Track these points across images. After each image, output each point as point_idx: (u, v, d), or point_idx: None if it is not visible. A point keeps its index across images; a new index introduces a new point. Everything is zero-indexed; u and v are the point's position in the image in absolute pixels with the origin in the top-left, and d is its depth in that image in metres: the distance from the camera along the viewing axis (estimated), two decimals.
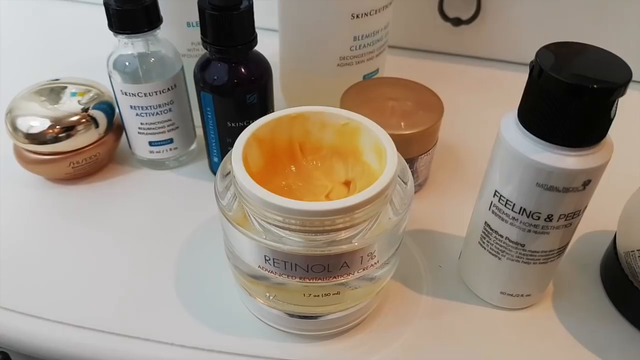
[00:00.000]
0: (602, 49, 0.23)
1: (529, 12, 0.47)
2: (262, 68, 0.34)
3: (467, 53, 0.53)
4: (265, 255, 0.24)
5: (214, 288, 0.31)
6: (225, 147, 0.36)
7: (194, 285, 0.31)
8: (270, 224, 0.24)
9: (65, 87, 0.37)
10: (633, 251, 0.28)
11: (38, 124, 0.35)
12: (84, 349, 0.29)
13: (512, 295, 0.30)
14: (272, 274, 0.25)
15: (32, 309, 0.30)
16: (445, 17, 0.51)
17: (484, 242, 0.29)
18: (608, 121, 0.23)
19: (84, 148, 0.36)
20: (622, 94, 0.22)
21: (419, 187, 0.38)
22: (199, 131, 0.39)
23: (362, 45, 0.39)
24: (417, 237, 0.35)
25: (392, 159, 0.25)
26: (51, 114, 0.35)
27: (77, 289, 0.31)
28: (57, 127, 0.35)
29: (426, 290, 0.31)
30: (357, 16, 0.37)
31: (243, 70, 0.33)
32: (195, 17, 0.36)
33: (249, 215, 0.25)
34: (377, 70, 0.42)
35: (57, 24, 0.59)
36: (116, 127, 0.39)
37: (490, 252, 0.28)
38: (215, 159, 0.37)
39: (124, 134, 0.39)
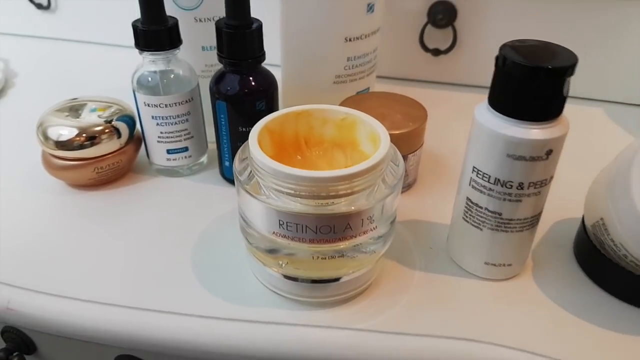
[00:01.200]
0: (553, 43, 0.29)
1: (500, 42, 0.53)
2: (269, 80, 0.39)
3: (446, 80, 0.59)
4: (279, 220, 0.28)
5: (227, 267, 0.35)
6: (236, 151, 0.40)
7: (209, 267, 0.35)
8: (282, 192, 0.28)
9: (85, 104, 0.42)
10: (597, 221, 0.33)
11: (67, 133, 0.39)
12: (114, 324, 0.32)
13: (495, 265, 0.33)
14: (285, 239, 0.29)
15: (66, 292, 0.33)
16: (425, 48, 0.57)
17: (467, 216, 0.33)
18: (562, 98, 0.28)
19: (106, 155, 0.41)
20: (571, 74, 0.27)
21: (408, 186, 0.43)
22: (210, 146, 0.44)
23: (354, 65, 0.44)
24: (409, 226, 0.39)
25: (386, 141, 0.30)
26: (78, 124, 0.40)
27: (105, 272, 0.35)
28: (84, 135, 0.40)
29: (419, 267, 0.35)
30: (350, 39, 0.43)
31: (253, 81, 0.38)
32: (209, 42, 0.42)
33: (263, 188, 0.29)
34: (368, 89, 0.47)
35: (72, 61, 0.64)
36: (136, 139, 0.43)
37: (472, 225, 0.33)
38: (227, 163, 0.41)
39: (142, 146, 0.43)
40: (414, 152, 0.40)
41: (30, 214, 0.40)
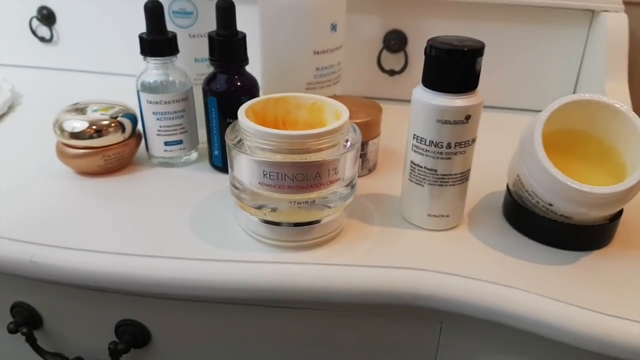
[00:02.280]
0: (467, 37, 0.38)
1: None
2: (252, 81, 0.48)
3: (400, 97, 0.68)
4: (263, 171, 0.36)
5: (219, 225, 0.42)
6: (224, 140, 0.48)
7: (203, 226, 0.42)
8: (265, 149, 0.36)
9: (87, 106, 0.49)
10: (515, 178, 0.42)
11: (79, 125, 0.47)
12: (121, 269, 0.38)
13: (435, 216, 0.42)
14: (268, 188, 0.37)
15: (80, 246, 0.40)
16: (382, 69, 0.68)
17: (411, 177, 0.41)
18: (475, 74, 0.37)
19: (112, 145, 0.48)
20: (480, 55, 0.37)
21: (369, 171, 0.51)
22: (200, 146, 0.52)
23: (322, 74, 0.54)
24: (369, 197, 0.47)
25: (345, 114, 0.39)
26: (88, 119, 0.47)
27: (113, 232, 0.41)
28: (93, 127, 0.47)
29: (377, 223, 0.43)
30: (318, 52, 0.52)
31: (238, 81, 0.47)
32: (201, 54, 0.51)
33: (250, 149, 0.37)
34: (335, 95, 0.56)
35: (72, 86, 0.72)
36: (137, 136, 0.51)
37: (416, 183, 0.41)
38: (216, 152, 0.49)
39: (142, 144, 0.51)
40: (373, 139, 0.49)
41: (46, 192, 0.47)
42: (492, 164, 0.47)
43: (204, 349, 0.45)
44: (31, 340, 0.46)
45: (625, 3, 0.59)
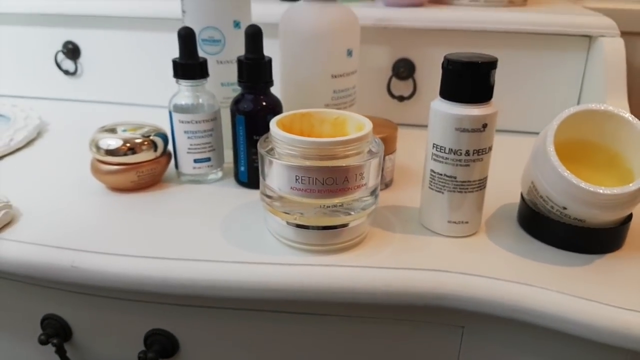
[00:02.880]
0: (480, 53, 0.42)
1: None
2: (276, 101, 0.51)
3: (409, 122, 0.71)
4: (295, 176, 0.39)
5: (249, 233, 0.44)
6: (250, 157, 0.51)
7: (234, 234, 0.44)
8: (296, 156, 0.39)
9: (115, 127, 0.52)
10: (530, 186, 0.44)
11: (114, 143, 0.50)
12: (160, 272, 0.40)
13: (455, 222, 0.44)
14: (300, 193, 0.39)
15: (118, 252, 0.42)
16: (392, 95, 0.71)
17: (431, 185, 0.44)
18: (490, 86, 0.40)
19: (145, 162, 0.51)
20: (494, 68, 0.40)
21: (386, 186, 0.54)
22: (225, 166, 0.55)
23: (339, 96, 0.57)
24: (389, 209, 0.49)
25: (369, 125, 0.42)
26: (122, 137, 0.50)
27: (149, 240, 0.43)
28: (127, 144, 0.50)
29: (398, 230, 0.46)
30: (335, 76, 0.56)
31: (264, 100, 0.50)
32: (227, 79, 0.55)
33: (281, 156, 0.40)
34: None
35: (95, 116, 0.76)
36: (167, 154, 0.53)
37: (436, 191, 0.44)
38: (242, 168, 0.52)
39: (172, 161, 0.54)
40: (389, 154, 0.52)
41: (82, 206, 0.49)
42: (504, 180, 0.50)
43: (232, 358, 0.47)
44: (61, 352, 0.48)
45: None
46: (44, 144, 0.65)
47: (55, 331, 0.48)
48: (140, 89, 0.78)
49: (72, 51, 0.79)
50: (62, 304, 0.47)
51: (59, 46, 0.79)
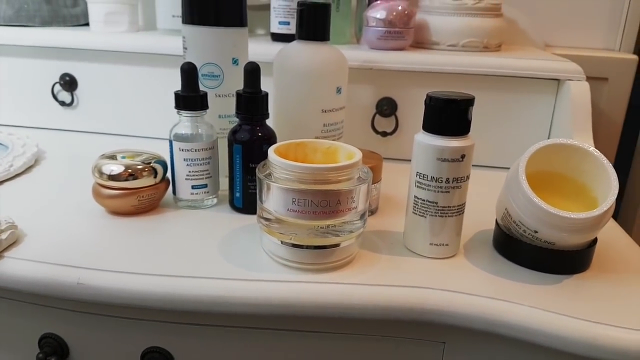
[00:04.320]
0: (458, 91, 0.46)
1: None
2: (271, 132, 0.55)
3: (392, 156, 0.76)
4: (292, 198, 0.42)
5: (245, 253, 0.47)
6: (246, 183, 0.54)
7: (232, 253, 0.47)
8: (293, 180, 0.42)
9: (115, 155, 0.55)
10: (504, 212, 0.48)
11: (116, 169, 0.53)
12: (160, 289, 0.43)
13: (436, 245, 0.48)
14: (296, 214, 0.43)
15: (122, 269, 0.44)
16: (376, 131, 0.76)
17: (415, 209, 0.48)
18: (468, 121, 0.45)
19: (145, 187, 0.54)
20: (472, 105, 0.44)
21: (371, 212, 0.57)
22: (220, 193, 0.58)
23: (329, 130, 0.61)
24: (375, 233, 0.53)
25: (359, 154, 0.46)
26: (124, 163, 0.53)
27: (149, 260, 0.46)
28: (129, 170, 0.53)
29: (384, 252, 0.49)
30: (326, 111, 0.60)
31: (260, 131, 0.54)
32: (225, 111, 0.58)
33: (278, 181, 0.43)
34: None
35: (91, 147, 0.78)
36: (166, 181, 0.56)
37: (419, 215, 0.47)
38: (237, 194, 0.55)
39: (170, 187, 0.57)
40: (375, 183, 0.56)
41: (85, 228, 0.51)
42: (479, 209, 0.54)
43: None
44: None
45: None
46: (42, 170, 0.67)
47: (53, 350, 0.49)
48: (134, 121, 0.81)
49: (68, 83, 0.82)
50: (61, 323, 0.49)
51: (56, 78, 0.82)
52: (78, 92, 0.82)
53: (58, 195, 0.59)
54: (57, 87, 0.82)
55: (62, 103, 0.83)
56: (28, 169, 0.67)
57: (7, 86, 0.84)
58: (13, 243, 0.48)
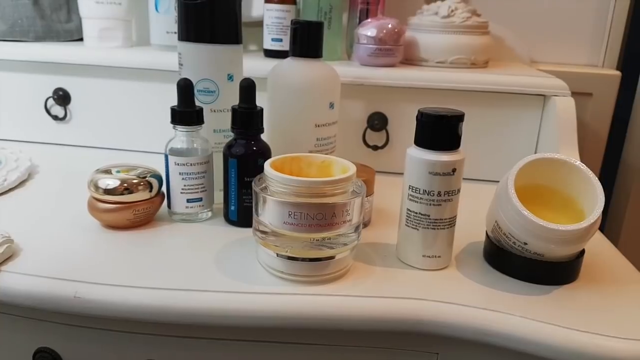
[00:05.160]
0: (448, 107, 0.48)
1: None
2: (266, 146, 0.56)
3: (383, 169, 0.77)
4: (288, 211, 0.43)
5: (241, 266, 0.48)
6: (241, 197, 0.55)
7: (227, 266, 0.48)
8: (289, 194, 0.43)
9: (110, 169, 0.55)
10: (494, 225, 0.50)
11: (112, 183, 0.53)
12: (156, 301, 0.43)
13: (429, 256, 0.49)
14: (292, 227, 0.44)
15: (118, 282, 0.45)
16: (367, 145, 0.77)
17: (408, 222, 0.49)
18: (458, 136, 0.46)
19: (140, 201, 0.54)
20: (462, 120, 0.46)
21: (364, 225, 0.58)
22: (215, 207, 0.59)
23: (322, 144, 0.62)
24: (369, 245, 0.54)
25: (353, 168, 0.47)
26: (120, 177, 0.54)
27: (146, 272, 0.46)
28: (124, 184, 0.53)
29: (378, 264, 0.50)
30: (319, 125, 0.61)
31: (255, 146, 0.55)
32: (220, 126, 0.59)
33: (274, 194, 0.44)
34: None
35: (83, 161, 0.79)
36: (161, 194, 0.57)
37: (412, 227, 0.48)
38: (232, 208, 0.56)
39: (164, 201, 0.57)
40: (368, 196, 0.57)
41: (80, 243, 0.52)
42: (469, 222, 0.55)
43: None
44: None
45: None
46: (36, 185, 0.67)
47: None
48: (127, 136, 0.82)
49: (62, 97, 0.82)
50: (56, 337, 0.49)
51: (49, 92, 0.82)
52: (71, 106, 0.83)
53: (53, 209, 0.59)
54: (51, 102, 0.83)
55: (56, 117, 0.83)
56: (22, 183, 0.67)
57: (1, 101, 0.84)
58: (9, 257, 0.48)
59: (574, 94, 0.72)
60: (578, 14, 0.94)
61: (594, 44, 0.96)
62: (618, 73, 0.92)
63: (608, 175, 0.98)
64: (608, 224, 1.00)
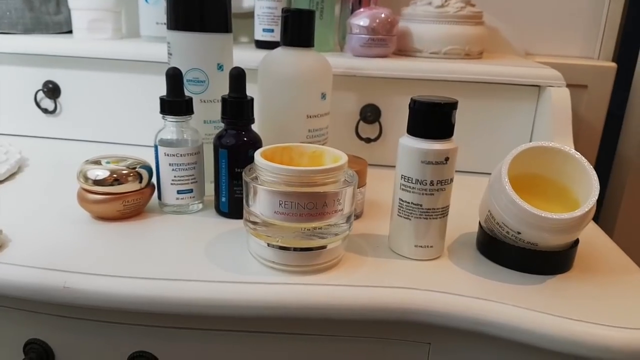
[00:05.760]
0: (441, 96, 0.47)
1: None
2: (257, 137, 0.55)
3: (376, 162, 0.76)
4: (279, 201, 0.43)
5: (232, 256, 0.47)
6: (232, 188, 0.54)
7: (218, 256, 0.47)
8: (279, 183, 0.43)
9: (99, 160, 0.55)
10: (487, 214, 0.49)
11: (101, 174, 0.52)
12: (147, 291, 0.43)
13: (421, 246, 0.48)
14: (283, 216, 0.43)
15: (108, 272, 0.44)
16: (360, 137, 0.77)
17: (400, 212, 0.48)
18: (452, 124, 0.46)
19: (130, 192, 0.53)
20: (455, 108, 0.45)
21: (356, 217, 0.58)
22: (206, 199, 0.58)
23: (314, 135, 0.61)
24: (361, 237, 0.53)
25: (344, 157, 0.46)
26: (109, 168, 0.53)
27: (136, 263, 0.46)
28: (114, 175, 0.53)
29: (369, 255, 0.49)
30: (311, 117, 0.60)
31: (245, 136, 0.54)
32: (210, 117, 0.59)
33: (265, 184, 0.44)
34: None
35: (73, 155, 0.78)
36: (151, 186, 0.56)
37: (404, 217, 0.48)
38: (223, 199, 0.55)
39: (155, 193, 0.57)
40: (360, 187, 0.56)
41: (70, 234, 0.51)
42: (462, 214, 0.55)
43: None
44: None
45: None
46: (26, 177, 0.67)
47: (39, 356, 0.49)
48: (117, 128, 0.81)
49: (52, 90, 0.81)
50: (46, 329, 0.48)
51: (39, 85, 0.81)
52: (61, 99, 0.82)
53: (42, 201, 0.59)
54: (40, 95, 0.82)
55: (45, 110, 0.82)
56: (11, 176, 0.66)
57: None
58: None
59: (568, 86, 0.72)
60: (573, 5, 0.94)
61: (590, 36, 0.95)
62: (614, 65, 0.91)
63: (603, 167, 0.98)
64: (603, 217, 1.00)
